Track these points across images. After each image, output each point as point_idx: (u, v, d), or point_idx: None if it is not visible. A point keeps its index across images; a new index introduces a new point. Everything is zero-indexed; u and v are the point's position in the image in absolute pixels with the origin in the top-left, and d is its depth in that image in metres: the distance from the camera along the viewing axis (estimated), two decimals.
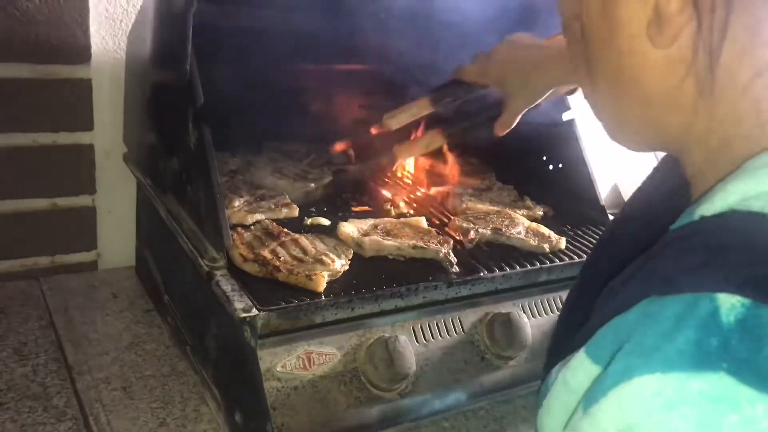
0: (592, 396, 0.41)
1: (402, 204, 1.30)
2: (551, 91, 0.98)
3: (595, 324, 0.46)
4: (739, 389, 0.35)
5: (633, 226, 0.55)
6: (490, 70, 1.00)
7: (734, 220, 0.41)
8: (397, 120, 1.10)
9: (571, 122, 1.36)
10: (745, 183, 0.43)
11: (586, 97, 0.58)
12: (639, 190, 0.63)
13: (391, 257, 1.05)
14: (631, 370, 0.38)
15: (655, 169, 0.64)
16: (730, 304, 0.37)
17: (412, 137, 1.21)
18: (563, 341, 0.58)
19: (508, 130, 1.02)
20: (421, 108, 1.08)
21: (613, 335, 0.43)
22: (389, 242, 1.04)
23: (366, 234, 1.07)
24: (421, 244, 1.05)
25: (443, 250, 1.04)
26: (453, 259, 1.03)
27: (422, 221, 1.15)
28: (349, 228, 1.07)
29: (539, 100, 0.99)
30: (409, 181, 1.46)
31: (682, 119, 0.50)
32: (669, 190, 0.57)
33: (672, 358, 0.37)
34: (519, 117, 1.00)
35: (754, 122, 0.47)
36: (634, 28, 0.48)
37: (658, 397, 0.37)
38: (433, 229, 1.13)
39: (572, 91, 1.03)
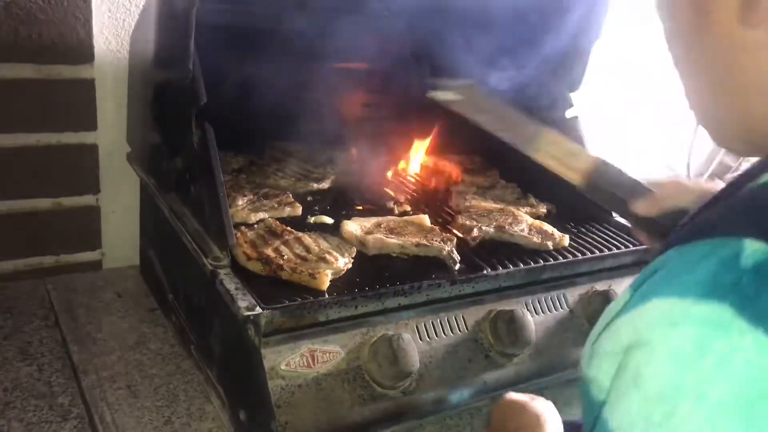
0: (616, 316, 0.48)
1: (405, 202, 1.30)
2: None
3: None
4: (736, 320, 0.40)
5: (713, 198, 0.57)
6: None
7: None
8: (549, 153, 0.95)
9: (574, 120, 1.36)
10: None
11: (686, 98, 0.57)
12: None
13: (394, 255, 1.05)
14: (651, 293, 0.45)
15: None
16: (752, 249, 0.41)
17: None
18: None
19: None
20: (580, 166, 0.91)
21: (649, 269, 0.48)
22: (392, 240, 1.04)
23: (369, 232, 1.07)
24: (424, 242, 1.05)
25: (446, 248, 1.04)
26: (456, 256, 1.03)
27: (425, 219, 1.15)
28: (353, 226, 1.08)
29: None
30: (413, 180, 1.46)
31: None
32: (754, 172, 0.55)
33: (688, 287, 0.42)
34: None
35: None
36: (724, 13, 0.48)
37: (666, 317, 0.43)
38: (436, 227, 1.13)
39: None
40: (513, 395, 0.83)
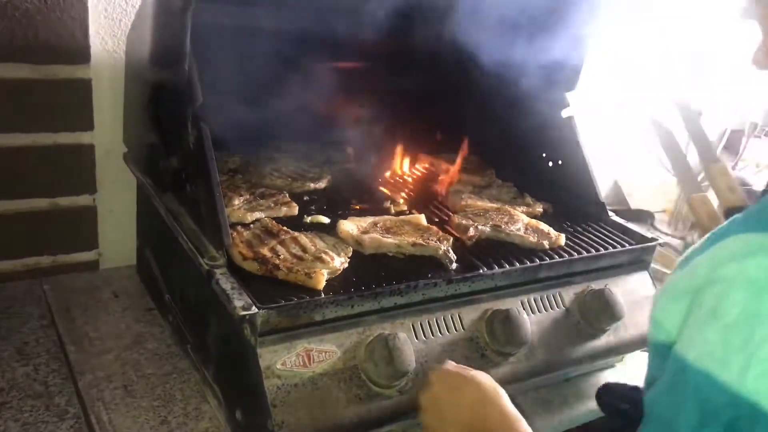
0: (690, 257, 0.52)
1: (402, 202, 1.30)
2: None
3: None
4: None
5: None
6: None
7: None
8: None
9: (570, 119, 1.36)
10: None
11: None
12: None
13: (390, 254, 1.05)
14: (728, 232, 0.48)
15: None
16: None
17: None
18: None
19: None
20: None
21: (727, 226, 0.52)
22: (389, 240, 1.04)
23: (365, 232, 1.07)
24: (420, 241, 1.05)
25: (443, 248, 1.04)
26: (452, 256, 1.03)
27: (422, 219, 1.15)
28: (349, 226, 1.08)
29: None
30: (410, 179, 1.46)
31: None
32: None
33: (763, 222, 0.45)
34: None
35: None
36: None
37: (744, 248, 0.45)
38: (432, 227, 1.13)
39: None
40: (453, 366, 0.84)
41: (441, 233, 1.09)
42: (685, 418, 0.46)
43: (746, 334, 0.44)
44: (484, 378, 0.80)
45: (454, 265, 1.03)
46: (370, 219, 1.12)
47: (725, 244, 0.48)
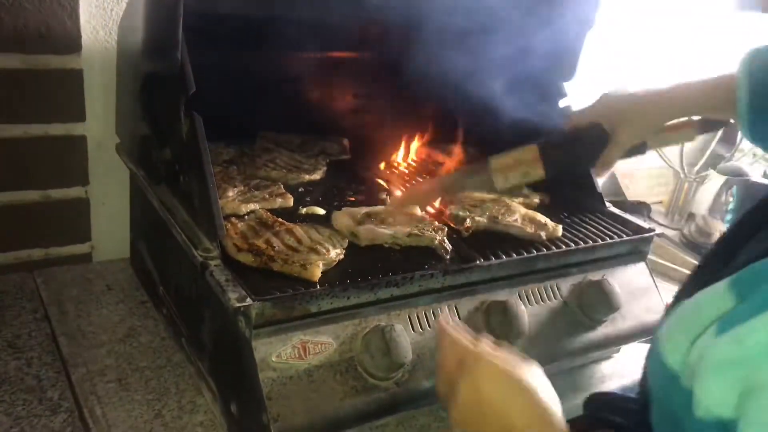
0: (727, 322, 0.47)
1: (398, 193, 1.29)
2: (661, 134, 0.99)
3: (740, 262, 0.52)
4: None
5: None
6: (597, 109, 0.99)
7: None
8: (504, 178, 1.00)
9: (567, 110, 1.36)
10: None
11: None
12: None
13: (386, 246, 1.04)
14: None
15: None
16: None
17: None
18: (703, 277, 0.61)
19: (610, 171, 0.99)
20: (530, 162, 0.99)
21: (758, 273, 0.49)
22: (384, 231, 1.04)
23: (360, 223, 1.06)
24: (416, 231, 1.04)
25: (438, 238, 1.03)
26: (448, 246, 1.02)
27: (415, 209, 1.14)
28: (344, 217, 1.07)
29: (645, 138, 0.98)
30: (406, 170, 1.45)
31: None
32: None
33: None
34: (622, 154, 0.97)
35: None
36: None
37: None
38: (426, 217, 1.12)
39: (704, 130, 1.00)
40: (502, 361, 0.72)
41: (435, 223, 1.09)
42: None
43: None
44: (540, 389, 0.70)
45: (450, 256, 1.02)
46: (364, 209, 1.11)
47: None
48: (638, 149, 0.99)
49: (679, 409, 0.51)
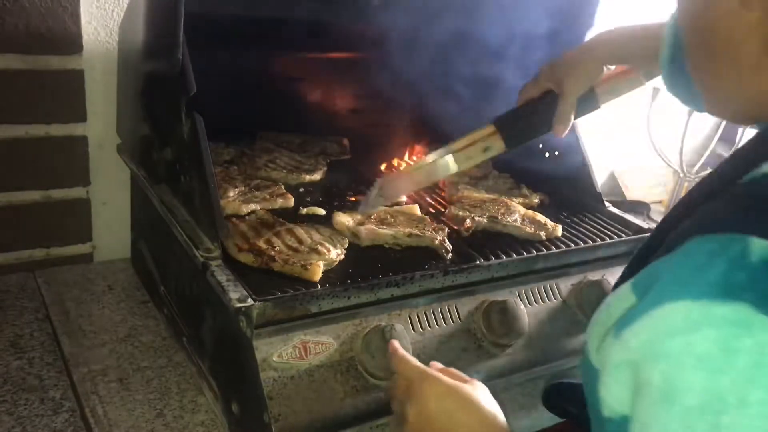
0: (623, 322, 0.47)
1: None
2: (606, 75, 0.98)
3: (650, 262, 0.51)
4: (757, 317, 0.39)
5: (709, 180, 0.57)
6: (544, 75, 0.99)
7: None
8: (465, 156, 0.98)
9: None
10: None
11: (692, 74, 0.60)
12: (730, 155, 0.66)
13: (387, 246, 1.04)
14: (663, 297, 0.44)
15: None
16: (759, 246, 0.42)
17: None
18: (629, 272, 0.61)
19: (567, 127, 0.98)
20: (487, 137, 0.98)
21: (655, 270, 0.48)
22: (385, 231, 1.04)
23: (361, 223, 1.06)
24: (416, 231, 1.04)
25: (438, 238, 1.03)
26: (448, 246, 1.03)
27: (415, 209, 1.15)
28: (344, 217, 1.07)
29: (590, 84, 0.97)
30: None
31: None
32: (753, 156, 0.56)
33: (702, 288, 0.42)
34: (574, 108, 0.97)
35: None
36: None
37: (685, 320, 0.42)
38: (426, 217, 1.12)
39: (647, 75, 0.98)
40: (447, 380, 0.74)
41: (435, 224, 1.09)
42: None
43: (711, 419, 0.40)
44: (484, 403, 0.72)
45: (450, 255, 1.02)
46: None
47: (662, 316, 0.43)
48: (590, 103, 0.99)
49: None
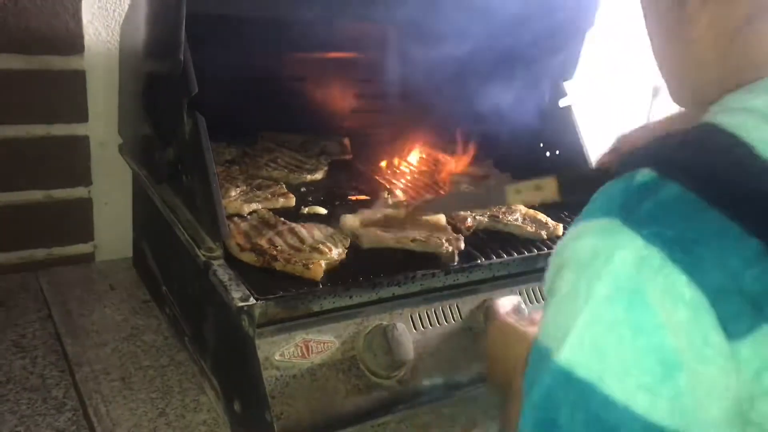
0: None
1: (399, 192, 1.29)
2: None
3: None
4: (623, 228, 0.47)
5: None
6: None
7: (703, 129, 0.51)
8: (521, 197, 1.00)
9: (568, 109, 1.36)
10: (719, 105, 0.53)
11: (655, 60, 0.66)
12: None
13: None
14: (572, 224, 0.52)
15: None
16: (642, 174, 0.49)
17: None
18: None
19: None
20: (549, 190, 0.97)
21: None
22: (387, 235, 1.02)
23: (366, 225, 1.05)
24: (420, 238, 1.02)
25: (445, 245, 1.00)
26: (455, 255, 1.00)
27: (442, 219, 1.11)
28: (351, 219, 1.06)
29: None
30: (407, 170, 1.45)
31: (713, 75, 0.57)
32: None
33: (593, 211, 0.50)
34: None
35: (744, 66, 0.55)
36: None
37: (575, 232, 0.50)
38: (449, 227, 1.09)
39: None
40: (512, 318, 0.91)
41: (454, 234, 1.05)
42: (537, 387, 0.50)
43: (570, 308, 0.47)
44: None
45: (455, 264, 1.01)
46: (379, 213, 1.10)
47: (571, 231, 0.52)
48: None
49: None
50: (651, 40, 0.65)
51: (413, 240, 1.02)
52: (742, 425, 0.44)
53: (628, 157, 0.54)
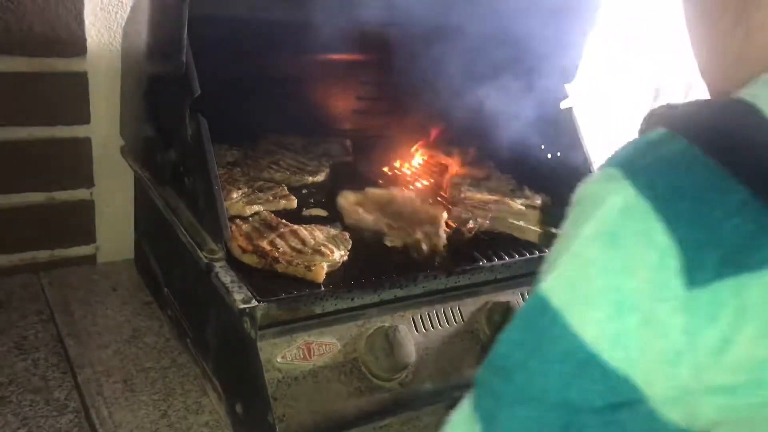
0: None
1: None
2: None
3: None
4: (621, 177, 0.48)
5: None
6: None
7: (724, 100, 0.52)
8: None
9: (569, 110, 1.36)
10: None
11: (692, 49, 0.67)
12: None
13: (389, 245, 1.04)
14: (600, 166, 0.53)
15: None
16: (657, 132, 0.50)
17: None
18: None
19: None
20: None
21: None
22: (366, 216, 1.03)
23: (361, 204, 1.06)
24: (396, 225, 1.01)
25: (418, 237, 0.99)
26: (424, 249, 0.99)
27: (441, 214, 1.09)
28: (350, 195, 1.07)
29: None
30: (408, 172, 1.46)
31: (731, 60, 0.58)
32: None
33: (610, 160, 0.51)
34: None
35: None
36: None
37: (590, 177, 0.52)
38: (442, 218, 1.08)
39: None
40: None
41: (439, 233, 1.04)
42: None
43: (563, 246, 0.50)
44: None
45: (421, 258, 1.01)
46: (388, 195, 1.10)
47: (590, 176, 0.54)
48: None
49: None
50: (690, 31, 0.65)
51: (388, 225, 1.02)
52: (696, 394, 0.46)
53: (649, 118, 0.56)
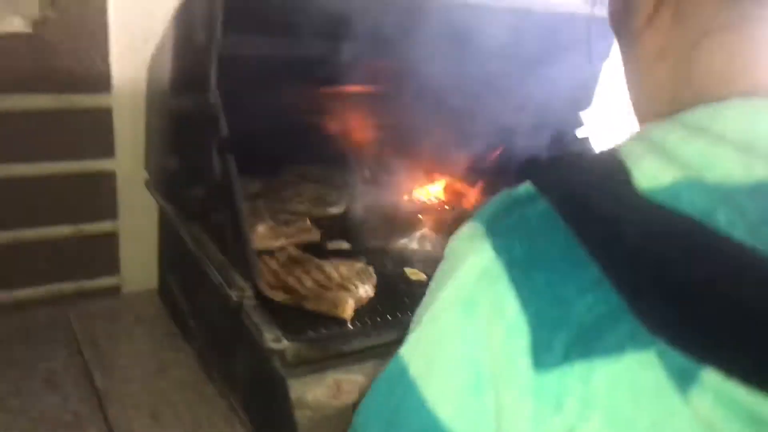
0: None
1: (422, 224, 1.31)
2: None
3: None
4: (483, 235, 0.45)
5: None
6: None
7: (605, 152, 0.47)
8: None
9: (585, 141, 1.37)
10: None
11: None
12: None
13: (413, 281, 1.05)
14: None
15: None
16: (525, 187, 0.46)
17: None
18: None
19: None
20: None
21: None
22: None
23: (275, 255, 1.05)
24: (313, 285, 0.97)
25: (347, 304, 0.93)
26: (347, 315, 0.93)
27: (365, 268, 1.06)
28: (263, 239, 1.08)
29: None
30: (428, 202, 1.47)
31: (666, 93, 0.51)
32: None
33: (476, 214, 0.48)
34: None
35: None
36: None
37: (458, 230, 0.49)
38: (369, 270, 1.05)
39: None
40: None
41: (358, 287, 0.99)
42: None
43: (423, 303, 0.49)
44: None
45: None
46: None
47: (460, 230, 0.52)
48: None
49: None
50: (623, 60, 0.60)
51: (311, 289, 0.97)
52: None
53: (527, 166, 0.51)
